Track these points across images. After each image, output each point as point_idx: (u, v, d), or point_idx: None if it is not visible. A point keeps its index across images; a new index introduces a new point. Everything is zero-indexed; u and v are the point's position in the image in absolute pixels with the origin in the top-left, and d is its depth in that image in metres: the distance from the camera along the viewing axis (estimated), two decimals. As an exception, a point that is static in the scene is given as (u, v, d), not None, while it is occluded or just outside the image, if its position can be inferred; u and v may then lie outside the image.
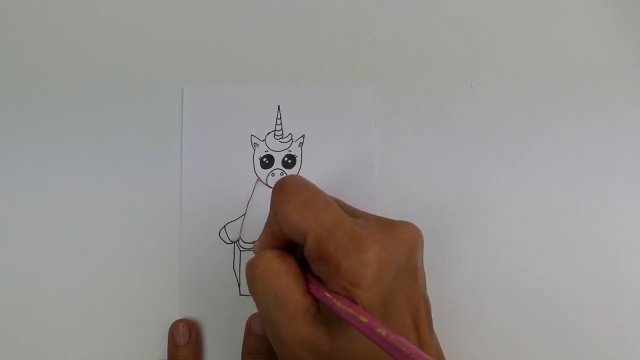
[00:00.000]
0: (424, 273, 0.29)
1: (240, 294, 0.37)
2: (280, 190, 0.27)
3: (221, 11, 0.40)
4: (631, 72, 0.41)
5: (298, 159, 0.39)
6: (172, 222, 0.37)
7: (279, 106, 0.39)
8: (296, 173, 0.38)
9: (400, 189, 0.38)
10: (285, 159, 0.39)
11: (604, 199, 0.39)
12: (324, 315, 0.26)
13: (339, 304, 0.24)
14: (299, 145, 0.39)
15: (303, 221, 0.26)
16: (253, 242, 0.37)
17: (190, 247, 0.37)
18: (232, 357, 0.36)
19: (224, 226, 0.37)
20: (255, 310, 0.36)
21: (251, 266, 0.27)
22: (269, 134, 0.39)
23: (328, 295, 0.25)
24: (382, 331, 0.22)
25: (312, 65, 0.40)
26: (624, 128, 0.40)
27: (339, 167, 0.39)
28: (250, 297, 0.36)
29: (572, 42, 0.41)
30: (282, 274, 0.26)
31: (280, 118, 0.39)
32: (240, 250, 0.37)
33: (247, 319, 0.36)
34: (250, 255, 0.37)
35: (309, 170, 0.38)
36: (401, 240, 0.26)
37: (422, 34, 0.41)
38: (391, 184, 0.38)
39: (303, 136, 0.39)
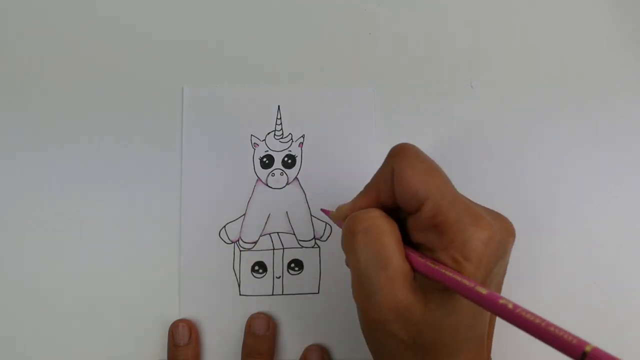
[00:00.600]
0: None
1: (240, 294, 0.37)
2: (402, 153, 0.27)
3: (221, 11, 0.40)
4: (631, 72, 0.41)
5: (298, 159, 0.39)
6: (172, 222, 0.37)
7: (279, 106, 0.39)
8: (296, 173, 0.38)
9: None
10: (285, 159, 0.39)
11: (605, 199, 0.39)
12: (419, 284, 0.25)
13: (449, 274, 0.23)
14: (299, 145, 0.39)
15: (425, 186, 0.25)
16: (253, 242, 0.37)
17: (190, 247, 0.37)
18: (232, 357, 0.36)
19: (224, 226, 0.37)
20: (254, 310, 0.36)
21: (354, 220, 0.26)
22: (269, 134, 0.39)
23: (433, 265, 0.24)
24: (509, 303, 0.21)
25: (312, 65, 0.40)
26: (625, 128, 0.40)
27: (339, 167, 0.39)
28: (250, 297, 0.37)
29: (572, 42, 0.41)
30: (388, 234, 0.26)
31: (280, 118, 0.39)
32: (240, 250, 0.37)
33: (247, 319, 0.36)
34: (250, 254, 0.37)
35: (309, 170, 0.38)
36: (507, 231, 0.26)
37: (422, 34, 0.41)
38: (391, 184, 0.38)
39: (303, 136, 0.39)
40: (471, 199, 0.36)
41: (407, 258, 0.25)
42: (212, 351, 0.36)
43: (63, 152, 0.38)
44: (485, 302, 0.22)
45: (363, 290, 0.26)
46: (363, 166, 0.38)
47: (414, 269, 0.25)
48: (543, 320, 0.20)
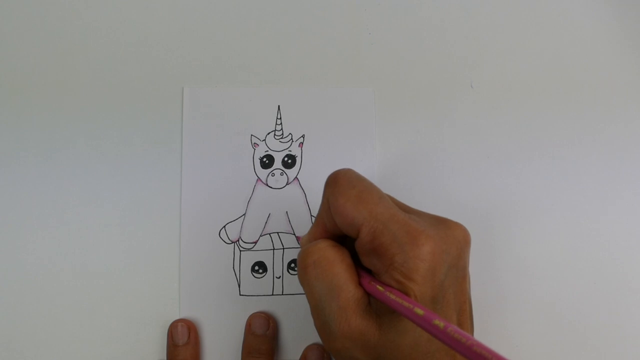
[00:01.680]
0: (469, 275, 0.29)
1: (240, 294, 0.37)
2: (334, 183, 0.27)
3: (221, 11, 0.40)
4: (632, 72, 0.41)
5: (298, 159, 0.39)
6: (172, 222, 0.37)
7: (279, 106, 0.39)
8: (296, 173, 0.38)
9: (400, 189, 0.38)
10: (285, 159, 0.39)
11: (605, 198, 0.39)
12: (373, 308, 0.26)
13: (392, 296, 0.24)
14: (299, 145, 0.39)
15: (357, 213, 0.26)
16: (253, 242, 0.38)
17: (190, 247, 0.37)
18: (232, 357, 0.36)
19: (224, 226, 0.37)
20: (254, 310, 0.36)
21: (304, 254, 0.27)
22: (269, 134, 0.39)
23: (380, 288, 0.25)
24: (440, 323, 0.22)
25: (312, 65, 0.40)
26: (625, 127, 0.40)
27: (339, 167, 0.38)
28: (250, 297, 0.37)
29: (572, 43, 0.41)
30: (337, 263, 0.26)
31: (280, 118, 0.39)
32: (240, 250, 0.37)
33: (247, 319, 0.36)
34: (250, 254, 0.37)
35: (309, 170, 0.38)
36: (454, 238, 0.26)
37: (422, 34, 0.41)
38: (391, 184, 0.38)
39: (303, 136, 0.39)
40: (470, 199, 0.36)
41: (361, 283, 0.26)
42: (212, 351, 0.36)
43: (63, 152, 0.38)
44: (422, 323, 0.23)
45: (319, 321, 0.27)
46: (363, 166, 0.38)
47: (368, 294, 0.26)
48: (469, 338, 0.21)
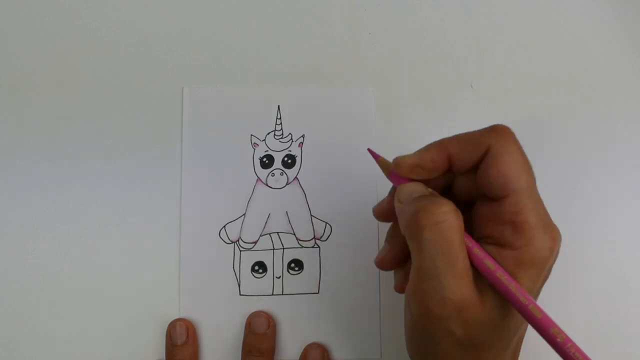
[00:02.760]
0: None
1: (240, 294, 0.37)
2: (505, 135, 0.25)
3: (221, 11, 0.40)
4: (632, 72, 0.41)
5: (298, 159, 0.39)
6: (172, 222, 0.37)
7: (278, 106, 0.39)
8: (296, 173, 0.38)
9: (400, 189, 0.38)
10: (285, 158, 0.39)
11: (606, 198, 0.39)
12: (477, 281, 0.25)
13: (508, 283, 0.23)
14: (299, 145, 0.39)
15: (518, 179, 0.24)
16: (253, 242, 0.37)
17: (190, 247, 0.37)
18: (232, 356, 0.36)
19: (224, 226, 0.37)
20: (254, 310, 0.36)
21: (425, 212, 0.25)
22: (269, 134, 0.39)
23: (491, 266, 0.24)
24: (560, 335, 0.21)
25: (312, 65, 0.40)
26: (625, 127, 0.40)
27: (339, 167, 0.39)
28: (250, 297, 0.37)
29: (572, 42, 0.41)
30: (457, 230, 0.24)
31: (280, 118, 0.39)
32: (240, 250, 0.37)
33: (247, 318, 0.36)
34: (250, 254, 0.37)
35: (309, 170, 0.38)
36: (559, 242, 0.26)
37: (422, 34, 0.41)
38: (391, 184, 0.38)
39: (303, 136, 0.39)
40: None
41: (468, 253, 0.25)
42: (212, 351, 0.36)
43: (63, 152, 0.38)
44: (535, 323, 0.22)
45: (425, 286, 0.25)
46: (363, 166, 0.38)
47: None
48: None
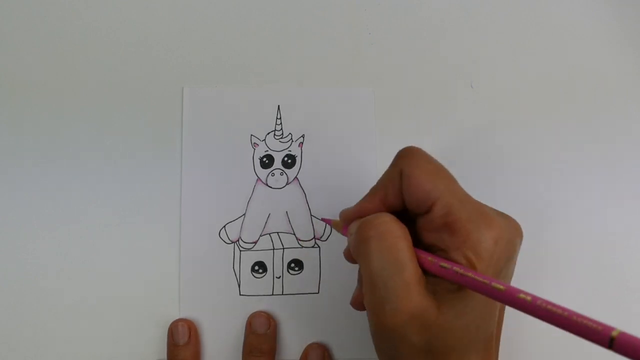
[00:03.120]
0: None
1: (240, 294, 0.37)
2: (410, 155, 0.27)
3: (221, 11, 0.40)
4: (633, 73, 0.41)
5: (298, 159, 0.39)
6: (172, 222, 0.37)
7: (278, 106, 0.39)
8: (296, 173, 0.38)
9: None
10: (285, 158, 0.39)
11: (606, 198, 0.39)
12: (431, 287, 0.25)
13: (464, 272, 0.24)
14: (298, 145, 0.39)
15: (434, 187, 0.26)
16: (253, 242, 0.37)
17: (190, 247, 0.37)
18: (232, 356, 0.36)
19: (224, 226, 0.37)
20: (254, 310, 0.36)
21: (367, 225, 0.26)
22: (268, 133, 0.39)
23: (446, 265, 0.24)
24: (527, 297, 0.21)
25: (312, 65, 0.40)
26: (625, 127, 0.40)
27: (339, 167, 0.39)
28: (250, 297, 0.37)
29: (572, 42, 0.41)
30: (402, 238, 0.25)
31: (280, 118, 0.39)
32: (240, 250, 0.37)
33: (247, 318, 0.36)
34: (250, 254, 0.37)
35: (309, 170, 0.38)
36: (515, 230, 0.27)
37: (422, 34, 0.41)
38: (391, 184, 0.38)
39: (303, 136, 0.39)
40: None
41: (419, 261, 0.26)
42: (212, 351, 0.36)
43: (63, 152, 0.38)
44: (503, 297, 0.22)
45: (377, 296, 0.26)
46: (363, 166, 0.38)
47: (425, 272, 0.26)
48: (565, 309, 0.20)
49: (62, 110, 0.38)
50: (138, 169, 0.38)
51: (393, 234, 0.25)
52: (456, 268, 0.24)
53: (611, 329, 0.18)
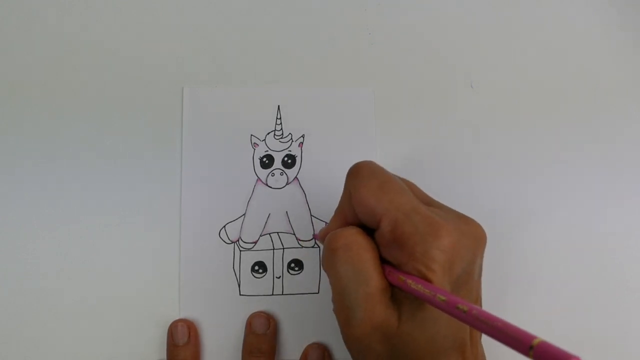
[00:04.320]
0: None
1: (240, 294, 0.37)
2: (356, 174, 0.28)
3: (221, 11, 0.40)
4: (633, 73, 0.41)
5: (298, 159, 0.39)
6: (172, 222, 0.37)
7: (278, 106, 0.39)
8: (296, 173, 0.38)
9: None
10: (285, 158, 0.39)
11: (606, 198, 0.39)
12: (395, 298, 0.26)
13: (414, 284, 0.24)
14: (298, 145, 0.39)
15: (379, 204, 0.26)
16: (253, 242, 0.37)
17: (190, 247, 0.37)
18: (232, 356, 0.36)
19: (224, 226, 0.37)
20: (254, 310, 0.36)
21: (334, 237, 0.26)
22: (268, 133, 0.39)
23: (402, 277, 0.25)
24: (464, 307, 0.22)
25: (312, 65, 0.40)
26: (624, 127, 0.40)
27: (339, 167, 0.38)
28: (250, 297, 0.37)
29: (572, 43, 0.41)
30: (367, 250, 0.26)
31: (280, 118, 0.39)
32: (240, 250, 0.37)
33: (247, 318, 0.36)
34: (250, 254, 0.37)
35: (309, 170, 0.38)
36: (473, 234, 0.27)
37: (422, 34, 0.41)
38: (391, 184, 0.38)
39: (303, 136, 0.39)
40: (470, 199, 0.36)
41: (384, 273, 0.26)
42: (212, 351, 0.36)
43: (63, 153, 0.38)
44: (446, 308, 0.23)
45: (343, 306, 0.26)
46: (363, 166, 0.38)
47: (391, 284, 0.26)
48: (495, 320, 0.21)
49: (62, 110, 0.38)
50: (138, 169, 0.38)
51: (359, 245, 0.26)
52: (409, 281, 0.24)
53: (533, 337, 0.19)
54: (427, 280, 0.24)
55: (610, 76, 0.41)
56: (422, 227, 0.25)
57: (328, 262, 0.27)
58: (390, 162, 0.39)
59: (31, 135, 0.38)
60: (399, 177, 0.29)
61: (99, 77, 0.39)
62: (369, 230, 0.27)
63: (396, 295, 0.26)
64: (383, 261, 0.27)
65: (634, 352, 0.37)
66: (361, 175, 0.27)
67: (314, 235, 0.38)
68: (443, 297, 0.23)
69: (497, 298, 0.37)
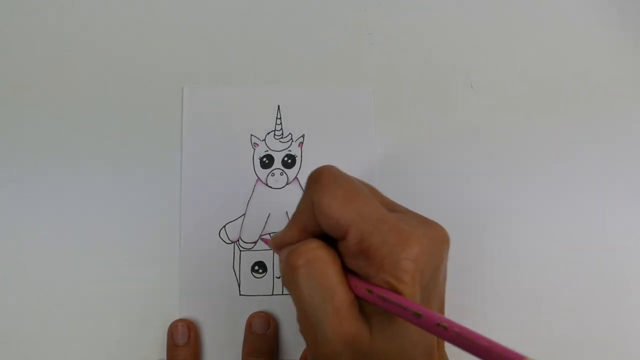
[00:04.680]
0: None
1: (240, 294, 0.37)
2: (319, 180, 0.26)
3: (221, 11, 0.40)
4: (632, 73, 0.41)
5: (298, 159, 0.39)
6: (172, 223, 0.37)
7: (278, 106, 0.39)
8: (296, 173, 0.38)
9: (400, 189, 0.38)
10: (285, 158, 0.39)
11: (606, 198, 0.39)
12: (364, 312, 0.25)
13: (385, 297, 0.23)
14: (298, 145, 0.39)
15: (345, 214, 0.24)
16: (253, 242, 0.37)
17: (190, 247, 0.37)
18: (232, 357, 0.36)
19: (224, 226, 0.37)
20: (254, 310, 0.36)
21: (294, 254, 0.25)
22: (268, 133, 0.39)
23: (371, 290, 0.24)
24: (445, 324, 0.21)
25: (312, 65, 0.40)
26: (624, 127, 0.40)
27: (339, 166, 0.38)
28: (250, 297, 0.37)
29: (572, 43, 0.41)
30: (330, 264, 0.25)
31: (280, 118, 0.39)
32: (240, 250, 0.37)
33: (247, 318, 0.36)
34: (250, 254, 0.37)
35: (309, 170, 0.38)
36: (437, 238, 0.26)
37: (422, 34, 0.41)
38: (391, 184, 0.38)
39: (303, 136, 0.39)
40: (471, 199, 0.36)
41: (349, 285, 0.25)
42: (212, 351, 0.36)
43: (63, 152, 0.38)
44: (423, 324, 0.22)
45: (309, 324, 0.25)
46: (363, 166, 0.38)
47: (357, 296, 0.25)
48: (478, 337, 0.20)
49: (62, 111, 0.38)
50: (138, 169, 0.38)
51: (321, 260, 0.25)
52: (380, 293, 0.24)
53: (522, 358, 0.18)
54: (398, 292, 0.24)
55: (610, 76, 0.41)
56: (390, 237, 0.24)
57: (289, 281, 0.25)
58: (390, 162, 0.39)
59: (31, 136, 0.38)
60: (361, 182, 0.28)
61: (98, 77, 0.39)
62: (330, 238, 0.26)
63: (364, 308, 0.25)
64: (348, 271, 0.25)
65: (635, 352, 0.37)
66: (325, 182, 0.26)
67: (260, 238, 0.37)
68: (420, 313, 0.22)
69: (498, 298, 0.37)
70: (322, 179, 0.26)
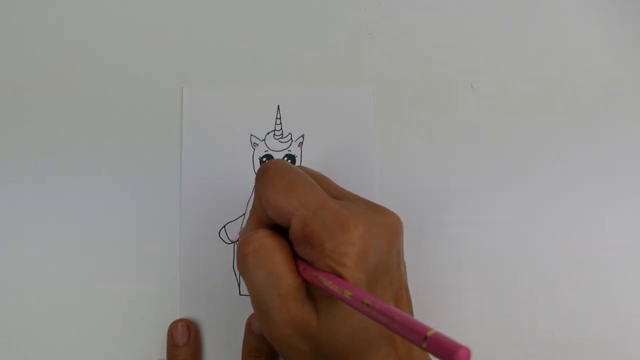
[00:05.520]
0: (405, 264, 0.29)
1: (240, 294, 0.37)
2: (264, 175, 0.27)
3: (221, 11, 0.40)
4: (632, 73, 0.41)
5: (298, 159, 0.39)
6: (172, 222, 0.37)
7: (278, 106, 0.39)
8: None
9: (400, 189, 0.38)
10: (285, 158, 0.39)
11: (606, 198, 0.39)
12: (312, 296, 0.26)
13: (324, 281, 0.24)
14: (298, 145, 0.39)
15: (287, 203, 0.26)
16: (253, 242, 0.37)
17: (190, 247, 0.37)
18: (232, 357, 0.36)
19: (224, 226, 0.37)
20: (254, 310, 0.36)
21: (243, 243, 0.27)
22: (268, 133, 0.39)
23: (314, 274, 0.25)
24: (368, 302, 0.22)
25: (312, 65, 0.40)
26: (624, 127, 0.40)
27: (339, 167, 0.39)
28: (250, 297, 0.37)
29: (572, 43, 0.41)
30: (276, 252, 0.26)
31: (280, 118, 0.39)
32: (240, 250, 0.37)
33: (247, 318, 0.36)
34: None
35: (309, 170, 0.38)
36: (385, 223, 0.27)
37: (422, 34, 0.41)
38: (391, 184, 0.38)
39: (303, 136, 0.39)
40: (471, 199, 0.36)
41: (299, 271, 0.26)
42: (212, 351, 0.36)
43: (63, 152, 0.38)
44: (353, 303, 0.23)
45: (261, 310, 0.27)
46: (363, 166, 0.38)
47: (307, 282, 0.26)
48: (396, 313, 0.21)
49: (61, 111, 0.38)
50: (138, 169, 0.38)
51: (268, 248, 0.26)
52: (321, 277, 0.24)
53: (427, 329, 0.20)
54: (339, 275, 0.24)
55: (610, 76, 0.41)
56: (330, 222, 0.25)
57: (240, 268, 0.27)
58: (389, 162, 0.39)
59: (30, 136, 0.38)
60: (311, 172, 0.29)
61: (98, 77, 0.39)
62: (284, 229, 0.27)
63: (312, 292, 0.26)
64: (299, 258, 0.27)
65: (634, 352, 0.37)
66: (267, 175, 0.27)
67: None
68: (350, 293, 0.23)
69: (497, 298, 0.37)
70: (266, 173, 0.27)
